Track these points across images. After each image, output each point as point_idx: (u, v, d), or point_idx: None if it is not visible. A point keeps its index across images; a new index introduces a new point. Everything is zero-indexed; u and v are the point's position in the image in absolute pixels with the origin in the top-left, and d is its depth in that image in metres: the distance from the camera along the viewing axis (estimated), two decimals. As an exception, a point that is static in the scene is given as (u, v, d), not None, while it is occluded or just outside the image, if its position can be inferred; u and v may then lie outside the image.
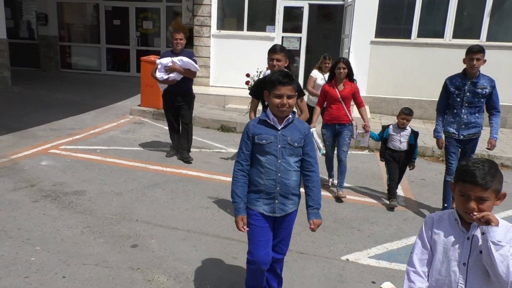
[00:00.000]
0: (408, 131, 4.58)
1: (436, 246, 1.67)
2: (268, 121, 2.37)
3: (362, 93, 8.39)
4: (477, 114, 4.06)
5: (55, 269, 2.95)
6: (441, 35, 9.13)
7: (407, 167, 4.68)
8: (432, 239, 1.69)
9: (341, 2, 9.69)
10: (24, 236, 3.36)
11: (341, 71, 4.60)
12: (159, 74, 5.33)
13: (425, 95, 8.98)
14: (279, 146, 2.35)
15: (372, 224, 4.11)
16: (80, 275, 2.91)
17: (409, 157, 4.60)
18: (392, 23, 9.66)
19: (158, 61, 5.41)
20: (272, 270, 2.64)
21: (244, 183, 2.43)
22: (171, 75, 5.33)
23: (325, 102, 4.79)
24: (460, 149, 4.21)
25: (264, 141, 2.35)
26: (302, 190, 2.48)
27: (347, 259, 3.42)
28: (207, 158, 5.86)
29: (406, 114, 4.52)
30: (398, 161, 4.61)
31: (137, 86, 10.44)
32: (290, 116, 2.40)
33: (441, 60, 8.87)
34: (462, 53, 8.47)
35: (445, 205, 4.29)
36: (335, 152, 4.89)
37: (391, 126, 4.68)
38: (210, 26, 10.34)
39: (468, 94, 4.00)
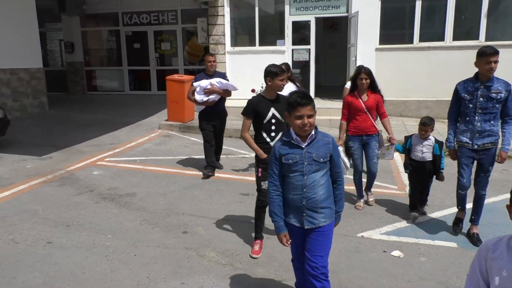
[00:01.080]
0: (431, 140, 4.35)
1: (493, 275, 1.46)
2: (292, 141, 2.46)
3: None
4: (492, 122, 3.64)
5: (127, 250, 3.68)
6: (441, 38, 9.75)
7: (435, 178, 4.45)
8: (487, 268, 1.48)
9: (345, 14, 10.41)
10: (95, 228, 4.11)
11: (363, 82, 4.47)
12: (199, 97, 5.44)
13: (430, 95, 9.58)
14: (306, 163, 2.43)
15: (383, 209, 4.74)
16: (147, 254, 3.63)
17: (436, 168, 4.35)
18: (394, 30, 10.33)
19: (195, 83, 5.49)
20: None
21: (280, 201, 2.53)
22: (210, 96, 5.46)
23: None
24: (474, 161, 3.83)
25: (290, 161, 2.44)
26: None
27: (362, 236, 4.06)
28: (234, 162, 6.58)
29: (424, 124, 4.29)
30: (421, 172, 4.39)
31: (160, 103, 11.35)
32: (313, 132, 2.46)
33: (443, 61, 9.49)
34: (462, 54, 9.30)
35: (459, 207, 4.06)
36: (365, 164, 4.78)
37: (413, 136, 4.46)
38: (224, 44, 11.15)
39: (481, 99, 3.59)
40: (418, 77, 9.69)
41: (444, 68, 9.39)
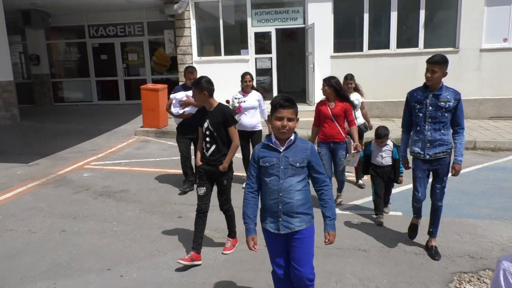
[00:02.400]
0: (390, 146, 4.55)
1: None
2: (271, 144, 2.50)
3: (328, 100, 10.15)
4: (442, 131, 3.58)
5: (133, 233, 4.32)
6: (387, 46, 11.00)
7: (395, 182, 4.65)
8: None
9: (303, 25, 11.45)
10: (100, 218, 4.71)
11: (325, 89, 4.70)
12: (174, 109, 5.45)
13: (380, 97, 10.74)
14: (282, 167, 2.45)
15: (344, 193, 5.65)
16: (152, 234, 4.29)
17: (396, 171, 4.54)
18: (347, 39, 11.44)
19: (172, 96, 5.53)
20: None
21: (254, 204, 2.55)
22: (186, 109, 5.42)
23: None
24: (429, 172, 3.76)
25: (267, 164, 2.47)
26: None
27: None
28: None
29: (379, 137, 4.52)
30: (382, 177, 4.59)
31: (130, 111, 11.86)
32: (292, 137, 2.49)
33: (389, 67, 10.73)
34: (404, 60, 10.65)
35: (415, 215, 4.00)
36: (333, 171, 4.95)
37: (372, 142, 4.65)
38: (192, 54, 11.85)
39: (430, 108, 3.53)
40: (369, 81, 10.79)
41: (390, 72, 10.62)
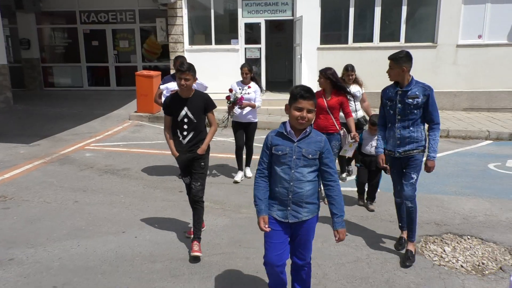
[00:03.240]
0: None
1: None
2: (285, 133, 2.49)
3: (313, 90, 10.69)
4: (411, 128, 3.48)
5: (140, 204, 4.80)
6: (371, 39, 11.58)
7: (383, 171, 4.49)
8: None
9: (291, 17, 11.91)
10: (108, 192, 5.15)
11: (321, 81, 4.69)
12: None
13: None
14: (294, 157, 2.46)
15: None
16: (157, 205, 4.77)
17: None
18: (333, 31, 11.98)
19: (162, 86, 5.38)
20: (299, 278, 2.73)
21: (265, 187, 2.56)
22: None
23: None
24: (402, 169, 3.67)
25: (280, 152, 2.47)
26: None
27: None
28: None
29: (373, 124, 4.58)
30: (369, 165, 4.68)
31: (122, 97, 12.17)
32: (308, 129, 2.49)
33: (372, 59, 11.28)
34: (387, 53, 11.03)
35: (400, 224, 3.95)
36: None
37: (364, 132, 4.76)
38: (183, 42, 12.17)
39: (399, 105, 3.45)
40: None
41: (374, 65, 11.14)
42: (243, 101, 5.43)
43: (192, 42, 12.41)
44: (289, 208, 2.51)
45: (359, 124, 5.47)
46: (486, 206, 4.82)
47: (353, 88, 5.51)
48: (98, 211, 4.53)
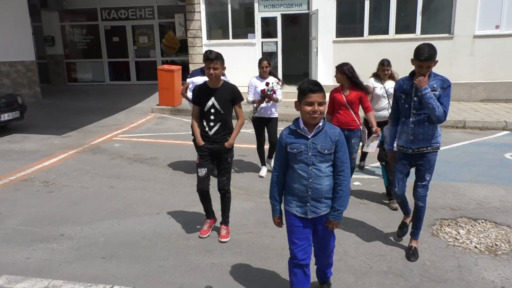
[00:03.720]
0: None
1: None
2: (299, 131, 2.49)
3: (329, 83, 10.90)
4: (426, 123, 3.33)
5: (171, 189, 5.14)
6: (386, 32, 11.69)
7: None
8: None
9: (307, 11, 12.09)
10: (139, 178, 5.51)
11: (337, 76, 4.65)
12: (191, 94, 5.03)
13: (378, 79, 11.51)
14: (310, 154, 2.46)
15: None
16: (186, 190, 5.09)
17: None
18: (348, 24, 12.12)
19: (189, 80, 5.39)
20: (325, 261, 2.83)
21: (281, 187, 2.61)
22: None
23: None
24: (410, 167, 3.57)
25: (295, 150, 2.47)
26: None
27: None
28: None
29: None
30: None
31: (143, 91, 12.57)
32: (321, 123, 2.47)
33: (388, 52, 11.31)
34: (403, 45, 11.39)
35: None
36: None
37: (385, 129, 4.52)
38: (201, 37, 12.49)
39: (415, 99, 3.30)
40: (368, 65, 11.23)
41: (389, 57, 11.09)
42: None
43: (209, 37, 12.71)
44: (308, 204, 2.52)
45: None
46: (500, 193, 5.01)
47: (388, 84, 5.26)
48: (132, 196, 4.88)
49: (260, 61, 5.55)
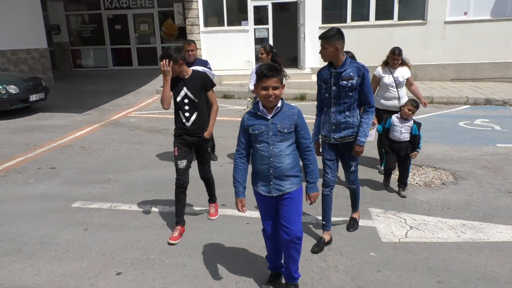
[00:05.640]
0: (410, 122, 4.57)
1: None
2: (259, 113, 2.57)
3: (316, 65, 12.12)
4: (347, 113, 3.31)
5: (184, 151, 6.39)
6: (367, 18, 12.89)
7: (410, 154, 4.63)
8: None
9: (295, 0, 13.23)
10: (158, 144, 6.75)
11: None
12: None
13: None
14: (271, 134, 2.54)
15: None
16: (197, 151, 6.36)
17: (413, 147, 4.61)
18: (333, 11, 13.26)
19: None
20: (288, 256, 2.73)
21: (244, 169, 2.68)
22: None
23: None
24: (337, 156, 3.53)
25: (256, 131, 2.56)
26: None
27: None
28: (223, 112, 9.32)
29: (413, 106, 4.50)
30: (397, 152, 4.63)
31: (145, 75, 13.70)
32: (279, 104, 2.56)
33: (369, 37, 12.62)
34: (382, 31, 12.60)
35: (323, 222, 3.63)
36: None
37: (393, 117, 4.62)
38: (199, 24, 13.56)
39: (334, 88, 3.26)
40: (351, 49, 12.56)
41: (370, 41, 12.54)
42: None
43: (206, 24, 13.77)
44: (271, 183, 2.60)
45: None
46: (445, 149, 6.35)
47: (397, 73, 5.05)
48: (155, 155, 6.14)
49: (260, 50, 5.36)
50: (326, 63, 3.40)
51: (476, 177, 5.14)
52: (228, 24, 13.63)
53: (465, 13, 12.40)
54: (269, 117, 2.56)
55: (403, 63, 5.11)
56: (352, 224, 3.81)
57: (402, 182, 4.69)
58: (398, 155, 4.66)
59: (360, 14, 12.93)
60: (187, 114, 3.54)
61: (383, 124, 4.70)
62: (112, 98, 10.71)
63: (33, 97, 8.92)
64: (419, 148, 4.64)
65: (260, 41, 13.97)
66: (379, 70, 5.16)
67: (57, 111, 9.21)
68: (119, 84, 12.73)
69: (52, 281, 3.02)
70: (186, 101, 3.51)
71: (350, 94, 3.25)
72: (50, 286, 2.96)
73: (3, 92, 8.39)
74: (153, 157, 6.04)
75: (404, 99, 5.03)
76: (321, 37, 3.22)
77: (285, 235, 2.63)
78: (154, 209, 4.28)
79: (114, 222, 3.95)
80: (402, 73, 5.07)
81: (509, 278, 3.03)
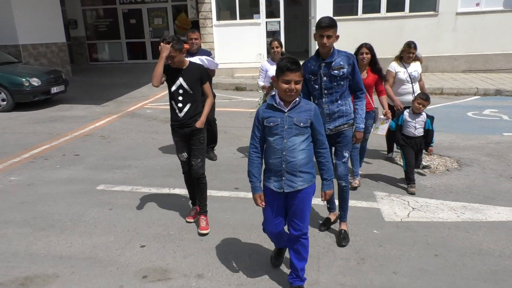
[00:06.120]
0: (423, 116, 4.53)
1: None
2: (275, 105, 2.54)
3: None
4: (340, 101, 3.34)
5: (199, 140, 6.70)
6: (378, 10, 12.97)
7: (425, 152, 4.70)
8: None
9: (307, -7, 13.38)
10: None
11: (364, 57, 4.43)
12: None
13: (371, 54, 12.86)
14: (286, 127, 2.51)
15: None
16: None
17: (427, 142, 4.58)
18: (344, 3, 13.37)
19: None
20: (295, 250, 2.72)
21: (259, 163, 2.65)
22: None
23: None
24: (331, 147, 3.40)
25: (271, 124, 2.53)
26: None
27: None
28: (235, 103, 9.61)
29: (423, 99, 4.46)
30: (413, 147, 4.60)
31: (162, 68, 13.95)
32: (297, 99, 2.54)
33: (380, 29, 12.72)
34: (393, 23, 12.71)
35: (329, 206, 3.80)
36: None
37: (405, 112, 4.59)
38: (211, 18, 13.82)
39: (325, 78, 3.28)
40: (363, 41, 12.86)
41: (381, 33, 12.63)
42: None
43: (219, 17, 14.02)
44: (283, 178, 2.56)
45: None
46: (452, 138, 6.52)
47: (411, 68, 5.08)
48: (171, 144, 6.44)
49: (271, 42, 5.22)
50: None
51: (480, 163, 5.32)
52: (241, 18, 13.85)
53: (477, 4, 12.39)
54: (286, 110, 2.54)
55: (417, 57, 5.12)
56: (344, 237, 3.48)
57: (417, 166, 4.74)
58: (414, 151, 4.64)
59: (371, 6, 13.01)
60: (180, 105, 3.51)
61: (395, 121, 4.65)
62: (128, 90, 11.07)
63: (54, 89, 9.32)
64: (432, 142, 4.66)
65: (272, 34, 14.18)
66: (394, 65, 5.11)
67: (77, 103, 9.60)
68: (134, 77, 13.09)
69: (84, 251, 3.35)
70: (180, 91, 3.48)
71: (342, 83, 3.29)
72: (82, 256, 3.30)
73: (27, 85, 8.79)
74: (170, 146, 6.35)
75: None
76: (329, 25, 3.13)
77: (294, 231, 2.67)
78: (172, 191, 4.59)
79: (136, 203, 4.27)
80: (416, 68, 5.10)
81: (502, 252, 3.25)
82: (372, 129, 4.78)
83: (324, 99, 3.34)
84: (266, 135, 2.59)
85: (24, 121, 8.01)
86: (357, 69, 3.33)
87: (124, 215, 4.02)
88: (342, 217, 3.62)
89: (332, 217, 3.77)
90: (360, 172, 4.78)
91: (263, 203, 2.66)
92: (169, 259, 3.24)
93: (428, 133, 4.59)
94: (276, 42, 5.11)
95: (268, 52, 13.56)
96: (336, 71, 3.24)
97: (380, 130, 4.69)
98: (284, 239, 2.85)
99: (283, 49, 5.23)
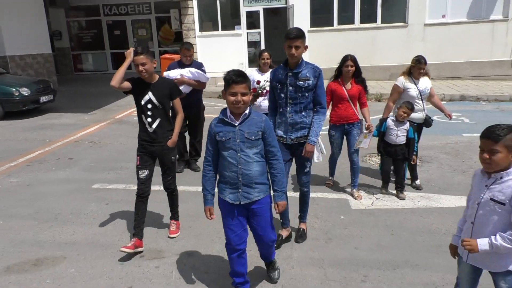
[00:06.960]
0: (406, 124, 4.52)
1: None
2: (226, 119, 2.55)
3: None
4: (303, 113, 3.36)
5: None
6: (352, 21, 13.72)
7: (408, 161, 4.64)
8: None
9: (285, 5, 14.06)
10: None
11: (349, 69, 4.42)
12: None
13: (346, 63, 13.56)
14: (238, 140, 2.52)
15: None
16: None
17: (410, 150, 4.55)
18: (320, 15, 14.08)
19: (165, 73, 5.14)
20: (264, 249, 2.93)
21: (212, 176, 2.68)
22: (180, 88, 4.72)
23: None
24: (292, 157, 3.53)
25: (223, 138, 2.53)
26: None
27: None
28: (219, 110, 10.08)
29: (408, 108, 4.44)
30: (393, 155, 4.60)
31: (147, 78, 14.38)
32: (247, 111, 2.55)
33: (355, 39, 13.43)
34: (367, 34, 13.45)
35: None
36: (341, 153, 4.86)
37: (389, 120, 4.59)
38: (194, 29, 14.36)
39: (290, 88, 3.31)
40: (339, 51, 13.26)
41: (356, 43, 13.36)
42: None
43: (202, 29, 14.54)
44: (240, 190, 2.59)
45: (426, 123, 4.94)
46: (417, 139, 7.15)
47: (421, 84, 4.77)
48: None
49: (261, 53, 5.17)
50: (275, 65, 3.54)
51: (439, 160, 5.96)
52: (222, 29, 14.42)
53: (443, 16, 13.27)
54: (236, 124, 2.55)
55: (426, 72, 4.86)
56: (301, 235, 3.67)
57: (401, 184, 4.70)
58: (393, 158, 4.64)
59: (346, 17, 13.74)
60: (149, 120, 3.46)
61: (378, 128, 4.66)
62: (114, 99, 11.46)
63: (43, 99, 9.65)
64: (415, 151, 4.63)
65: (253, 44, 14.79)
66: (403, 81, 4.79)
67: (65, 112, 9.95)
68: (120, 87, 13.44)
69: (87, 238, 3.80)
70: (149, 106, 3.43)
71: (306, 94, 3.30)
72: (85, 241, 3.74)
73: (17, 94, 9.12)
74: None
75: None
76: (296, 36, 3.17)
77: (260, 242, 2.83)
78: (161, 188, 5.01)
79: (129, 199, 4.69)
80: (426, 84, 4.81)
81: (447, 231, 3.84)
82: (355, 143, 4.69)
83: (288, 108, 3.36)
84: (220, 149, 2.61)
85: (16, 129, 8.33)
86: (320, 83, 3.33)
87: (120, 208, 4.47)
88: (302, 218, 3.76)
89: (285, 233, 3.67)
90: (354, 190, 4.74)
91: (213, 216, 2.72)
92: (162, 243, 3.71)
93: (410, 142, 4.54)
94: (266, 54, 5.14)
95: (250, 61, 14.19)
96: (301, 82, 3.27)
97: (363, 143, 4.61)
98: (243, 262, 2.79)
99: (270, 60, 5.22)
